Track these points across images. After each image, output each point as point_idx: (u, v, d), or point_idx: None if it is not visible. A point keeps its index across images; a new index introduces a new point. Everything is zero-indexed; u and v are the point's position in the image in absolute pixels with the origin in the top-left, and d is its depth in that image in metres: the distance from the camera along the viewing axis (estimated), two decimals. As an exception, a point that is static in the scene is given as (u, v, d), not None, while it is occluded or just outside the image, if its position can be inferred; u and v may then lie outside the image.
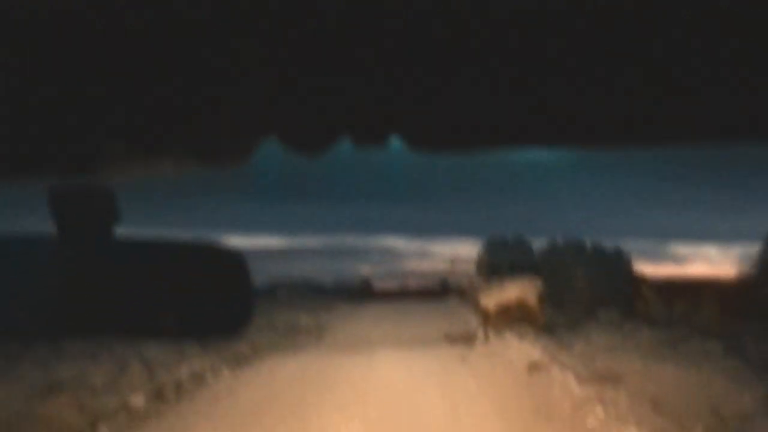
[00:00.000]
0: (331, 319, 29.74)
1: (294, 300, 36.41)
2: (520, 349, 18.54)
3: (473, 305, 23.22)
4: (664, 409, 11.65)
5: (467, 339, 21.59)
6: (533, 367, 15.83)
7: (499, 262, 34.10)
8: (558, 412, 12.28)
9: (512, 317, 23.02)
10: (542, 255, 35.94)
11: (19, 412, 11.72)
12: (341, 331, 26.00)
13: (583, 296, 28.70)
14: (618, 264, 36.23)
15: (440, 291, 44.29)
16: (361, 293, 46.98)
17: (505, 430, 11.24)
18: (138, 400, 13.26)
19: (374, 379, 15.66)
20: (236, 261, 2.47)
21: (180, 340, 17.85)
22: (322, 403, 13.29)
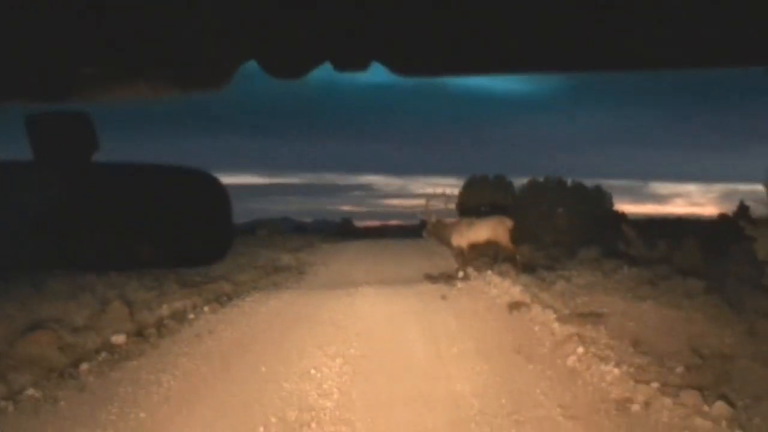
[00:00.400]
0: (313, 258, 29.80)
1: (275, 238, 36.40)
2: (501, 288, 18.61)
3: (445, 244, 23.25)
4: (644, 348, 11.72)
5: (448, 278, 21.66)
6: (514, 306, 15.90)
7: (480, 202, 34.11)
8: (538, 351, 12.34)
9: (486, 255, 23.46)
10: (523, 193, 35.95)
11: (1, 351, 11.70)
12: (323, 269, 26.04)
13: (563, 235, 28.73)
14: (599, 203, 36.28)
15: (421, 230, 44.35)
16: (342, 232, 47.07)
17: (486, 369, 11.28)
18: (119, 339, 13.26)
19: (356, 318, 15.70)
20: (217, 187, 2.36)
21: (162, 271, 17.81)
22: (304, 342, 13.32)
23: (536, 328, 13.89)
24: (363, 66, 1.49)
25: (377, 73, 1.54)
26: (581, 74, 1.57)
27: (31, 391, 10.37)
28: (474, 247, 22.73)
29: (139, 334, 13.86)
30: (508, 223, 22.54)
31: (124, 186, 1.86)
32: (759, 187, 15.35)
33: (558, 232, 29.88)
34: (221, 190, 1.86)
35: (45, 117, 1.70)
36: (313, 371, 11.41)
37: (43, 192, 1.83)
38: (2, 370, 10.83)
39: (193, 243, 1.91)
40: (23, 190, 1.84)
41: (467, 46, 1.49)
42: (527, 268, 21.10)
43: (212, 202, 1.87)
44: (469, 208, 33.05)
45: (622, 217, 33.50)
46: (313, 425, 9.04)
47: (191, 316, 15.99)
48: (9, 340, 12.22)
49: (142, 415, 9.52)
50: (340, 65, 1.49)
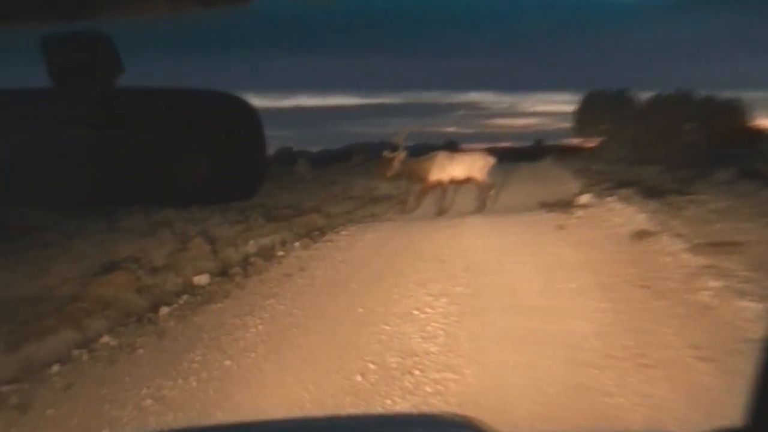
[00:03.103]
0: (412, 186, 29.67)
1: (372, 165, 36.43)
2: (624, 215, 18.26)
3: (416, 181, 22.74)
4: (787, 280, 11.39)
5: (565, 205, 21.34)
6: (639, 235, 15.58)
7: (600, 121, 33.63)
8: (667, 285, 12.05)
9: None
10: (646, 109, 35.33)
11: (75, 294, 11.84)
12: (426, 198, 25.91)
13: (693, 154, 28.18)
14: (733, 117, 35.50)
15: (534, 152, 43.91)
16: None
17: (608, 306, 11.04)
18: (202, 280, 13.33)
19: (463, 252, 15.56)
20: (250, 113, 2.22)
21: (200, 203, 17.89)
22: (405, 280, 13.23)
23: (664, 260, 13.57)
24: None
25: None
26: None
27: (106, 339, 10.51)
28: (453, 182, 22.64)
29: (223, 273, 13.96)
30: (490, 159, 22.43)
31: (151, 111, 1.73)
32: None
33: (687, 152, 29.35)
34: (254, 117, 1.72)
35: (62, 38, 1.57)
36: (415, 312, 11.31)
37: (66, 120, 1.71)
38: (76, 315, 10.97)
39: (224, 176, 1.79)
40: (44, 119, 1.73)
41: None
42: (654, 192, 20.75)
43: (244, 130, 1.74)
44: (588, 128, 32.62)
45: (760, 133, 32.78)
46: (417, 372, 8.94)
47: (280, 253, 16.05)
48: (83, 282, 12.38)
49: (227, 362, 9.55)
50: None
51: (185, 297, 12.49)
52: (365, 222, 20.61)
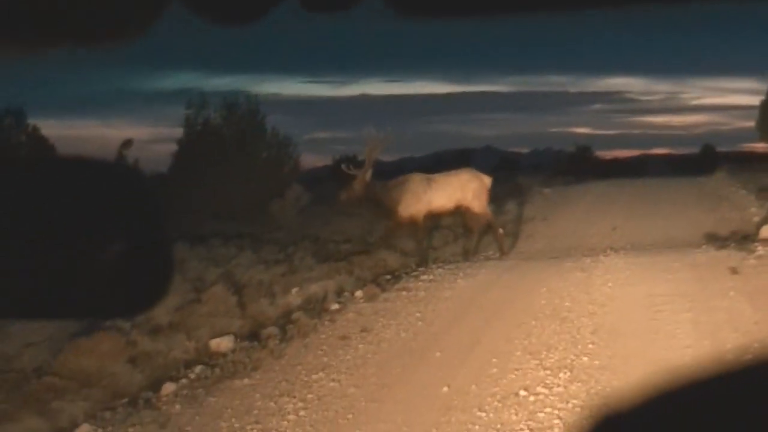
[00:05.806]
0: (529, 210, 29.56)
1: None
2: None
3: (385, 213, 21.60)
4: None
5: (742, 239, 21.08)
6: None
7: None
8: None
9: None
10: None
11: (41, 366, 11.88)
12: (542, 227, 25.86)
13: None
14: None
15: (701, 162, 43.61)
16: (575, 168, 46.61)
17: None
18: (223, 344, 13.35)
19: (592, 305, 15.42)
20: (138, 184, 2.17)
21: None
22: (509, 345, 13.15)
23: None
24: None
25: None
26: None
27: (86, 429, 10.51)
28: (434, 216, 22.01)
29: (252, 336, 13.99)
30: (486, 179, 21.64)
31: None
32: None
33: None
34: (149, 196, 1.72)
35: None
36: (523, 393, 11.26)
37: None
38: (42, 395, 11.00)
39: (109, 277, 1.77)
40: None
41: None
42: None
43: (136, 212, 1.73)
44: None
45: None
46: (524, 482, 8.92)
47: (335, 306, 16.07)
48: (53, 348, 12.39)
49: (255, 464, 9.56)
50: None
51: (198, 369, 12.53)
52: (456, 262, 20.54)
